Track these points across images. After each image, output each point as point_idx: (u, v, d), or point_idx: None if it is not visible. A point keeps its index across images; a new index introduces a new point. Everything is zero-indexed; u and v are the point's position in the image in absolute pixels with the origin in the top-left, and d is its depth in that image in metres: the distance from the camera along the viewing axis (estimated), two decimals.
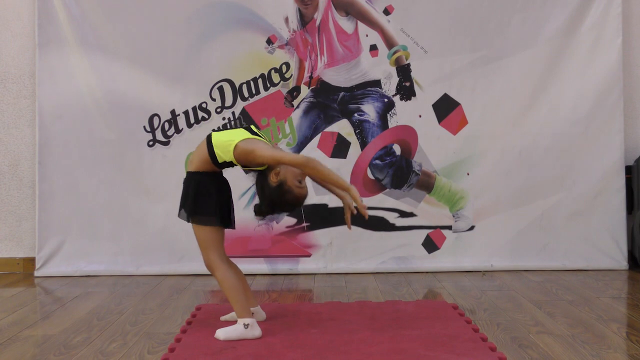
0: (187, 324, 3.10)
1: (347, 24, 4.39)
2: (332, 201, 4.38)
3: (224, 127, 4.38)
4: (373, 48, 4.39)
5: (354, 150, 4.41)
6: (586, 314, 3.25)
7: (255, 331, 2.84)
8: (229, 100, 4.40)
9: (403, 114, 4.41)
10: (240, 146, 2.79)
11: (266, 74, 4.39)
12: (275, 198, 2.81)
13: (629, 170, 4.45)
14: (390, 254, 4.40)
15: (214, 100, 4.40)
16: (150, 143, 4.40)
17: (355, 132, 4.41)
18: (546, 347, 2.74)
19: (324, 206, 4.32)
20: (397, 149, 4.41)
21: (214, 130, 2.90)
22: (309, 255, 4.40)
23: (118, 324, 3.18)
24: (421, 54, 4.40)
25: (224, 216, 2.92)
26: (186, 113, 4.40)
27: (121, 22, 4.36)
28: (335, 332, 2.91)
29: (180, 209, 2.96)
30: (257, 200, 2.92)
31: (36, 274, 4.38)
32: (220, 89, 4.40)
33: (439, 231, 4.44)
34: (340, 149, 4.41)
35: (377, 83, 4.40)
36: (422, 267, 4.38)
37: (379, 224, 4.42)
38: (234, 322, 2.91)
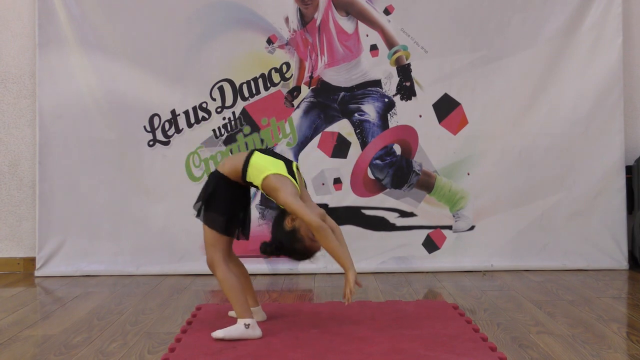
0: (188, 323, 3.10)
1: (347, 24, 4.39)
2: (333, 201, 4.38)
3: (225, 127, 4.38)
4: (373, 48, 4.39)
5: (354, 150, 4.41)
6: (586, 314, 3.25)
7: (256, 331, 2.84)
8: (229, 100, 4.40)
9: (403, 113, 4.41)
10: (270, 178, 2.82)
11: (266, 73, 4.39)
12: (285, 242, 2.85)
13: (629, 170, 4.45)
14: (391, 254, 4.40)
15: (214, 100, 4.40)
16: (151, 143, 4.40)
17: (355, 132, 4.41)
18: (546, 347, 2.74)
19: (324, 206, 4.32)
20: (397, 149, 4.42)
21: (258, 149, 2.93)
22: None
23: (118, 324, 3.18)
24: (421, 54, 4.40)
25: (230, 226, 2.92)
26: (186, 113, 4.40)
27: (121, 22, 4.36)
28: (335, 332, 2.91)
29: (197, 202, 2.97)
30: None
31: (36, 274, 4.38)
32: (221, 89, 4.40)
33: (439, 231, 4.44)
34: (340, 149, 4.41)
35: (377, 83, 4.40)
36: (422, 267, 4.38)
37: (379, 224, 4.42)
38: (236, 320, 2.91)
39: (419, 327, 2.97)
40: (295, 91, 4.41)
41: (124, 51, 4.36)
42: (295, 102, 4.41)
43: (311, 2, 4.37)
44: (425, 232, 4.43)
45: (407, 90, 4.41)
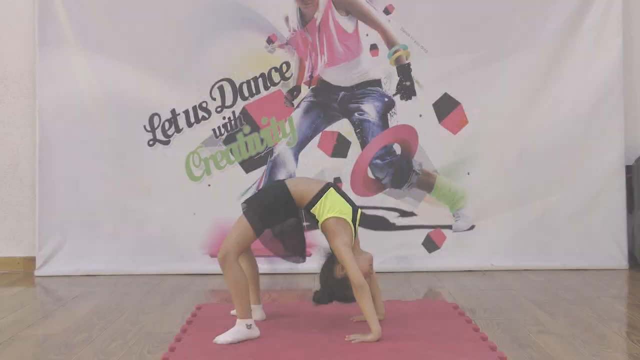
0: (188, 323, 3.10)
1: (347, 24, 4.39)
2: None
3: (224, 127, 4.38)
4: (373, 47, 4.39)
5: (354, 149, 4.41)
6: (586, 314, 3.25)
7: (256, 331, 2.85)
8: (229, 100, 4.40)
9: (403, 113, 4.40)
10: (332, 221, 2.87)
11: (266, 73, 4.39)
12: (337, 289, 2.91)
13: (629, 169, 4.45)
14: (391, 253, 4.39)
15: (214, 99, 4.40)
16: (151, 142, 4.40)
17: (355, 131, 4.41)
18: (546, 346, 2.74)
19: None
20: (397, 149, 4.41)
21: (335, 187, 2.95)
22: (309, 255, 4.38)
23: (118, 324, 3.18)
24: (421, 54, 4.39)
25: (265, 227, 2.93)
26: (186, 112, 4.40)
27: (121, 22, 4.36)
28: (335, 332, 2.91)
29: (251, 198, 2.99)
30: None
31: (36, 273, 4.38)
32: (221, 89, 4.40)
33: (439, 231, 4.44)
34: (340, 148, 4.41)
35: (377, 82, 4.40)
36: (422, 266, 4.38)
37: (379, 224, 4.41)
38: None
39: (419, 326, 2.97)
40: (295, 91, 4.40)
41: (124, 51, 4.36)
42: (295, 102, 4.41)
43: (311, 1, 4.37)
44: (425, 231, 4.43)
45: (407, 90, 4.41)
